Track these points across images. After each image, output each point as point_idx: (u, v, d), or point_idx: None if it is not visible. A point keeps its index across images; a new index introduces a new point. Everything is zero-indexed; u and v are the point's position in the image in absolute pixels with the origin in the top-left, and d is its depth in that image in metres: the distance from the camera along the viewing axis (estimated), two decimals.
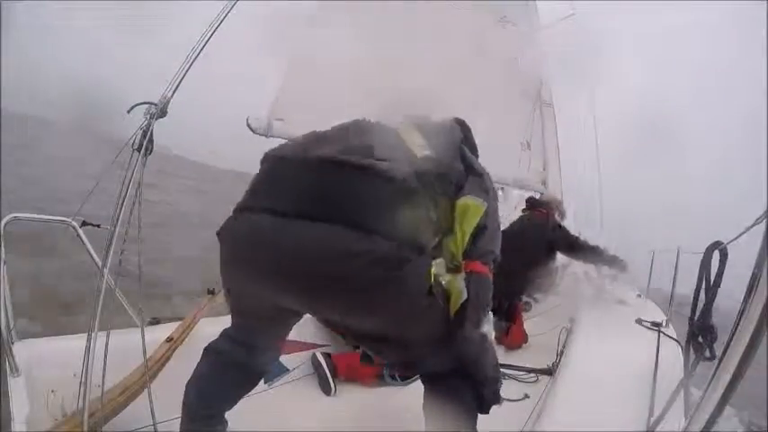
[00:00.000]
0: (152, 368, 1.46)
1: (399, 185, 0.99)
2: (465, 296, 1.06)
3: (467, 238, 1.07)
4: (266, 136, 2.24)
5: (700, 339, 0.98)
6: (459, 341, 1.09)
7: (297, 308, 1.19)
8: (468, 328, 1.08)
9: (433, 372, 1.23)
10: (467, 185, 1.11)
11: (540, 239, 3.15)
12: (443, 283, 1.05)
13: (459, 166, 1.14)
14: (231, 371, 1.33)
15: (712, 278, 0.98)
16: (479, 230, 1.08)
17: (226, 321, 1.43)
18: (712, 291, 0.98)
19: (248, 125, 2.23)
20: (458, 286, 1.06)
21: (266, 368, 1.48)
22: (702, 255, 1.01)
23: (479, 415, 1.23)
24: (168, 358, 1.59)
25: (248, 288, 1.15)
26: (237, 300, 1.27)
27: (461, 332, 1.08)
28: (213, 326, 1.57)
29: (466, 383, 1.17)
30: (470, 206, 1.08)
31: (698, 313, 1.02)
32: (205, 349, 1.39)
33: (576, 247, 3.16)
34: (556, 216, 3.32)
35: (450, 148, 1.17)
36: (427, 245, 1.01)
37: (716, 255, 0.99)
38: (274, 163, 1.16)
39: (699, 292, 1.00)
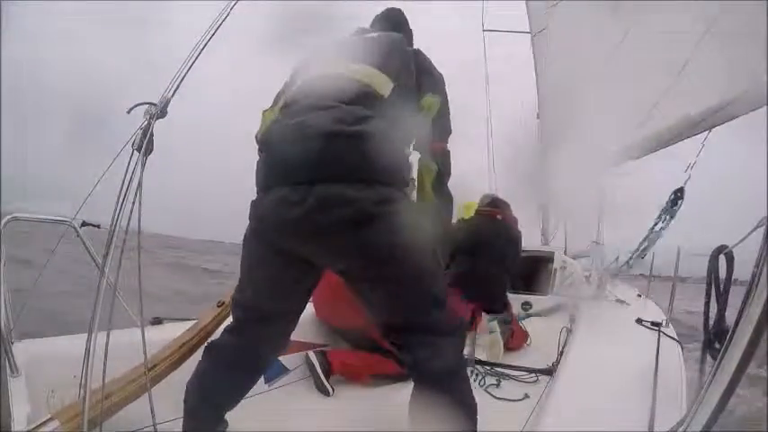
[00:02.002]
0: (203, 330, 1.58)
1: (382, 141, 1.19)
2: (436, 168, 1.34)
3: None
4: None
5: (716, 345, 0.97)
6: (444, 198, 1.37)
7: (321, 256, 1.26)
8: (445, 188, 1.39)
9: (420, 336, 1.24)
10: (423, 85, 1.35)
11: (507, 241, 3.18)
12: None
13: (412, 71, 1.36)
14: (232, 366, 1.35)
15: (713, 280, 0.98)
16: (437, 118, 1.35)
17: None
18: (724, 296, 0.97)
19: None
20: (427, 163, 1.33)
21: (267, 363, 1.50)
22: (708, 259, 1.01)
23: (478, 414, 1.23)
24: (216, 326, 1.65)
25: (272, 250, 1.27)
26: (254, 274, 1.34)
27: (440, 190, 1.37)
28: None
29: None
30: (430, 102, 1.33)
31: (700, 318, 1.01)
32: (206, 347, 1.40)
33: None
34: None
35: (398, 58, 1.35)
36: (408, 178, 1.28)
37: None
38: (277, 143, 1.28)
39: (710, 297, 1.00)
